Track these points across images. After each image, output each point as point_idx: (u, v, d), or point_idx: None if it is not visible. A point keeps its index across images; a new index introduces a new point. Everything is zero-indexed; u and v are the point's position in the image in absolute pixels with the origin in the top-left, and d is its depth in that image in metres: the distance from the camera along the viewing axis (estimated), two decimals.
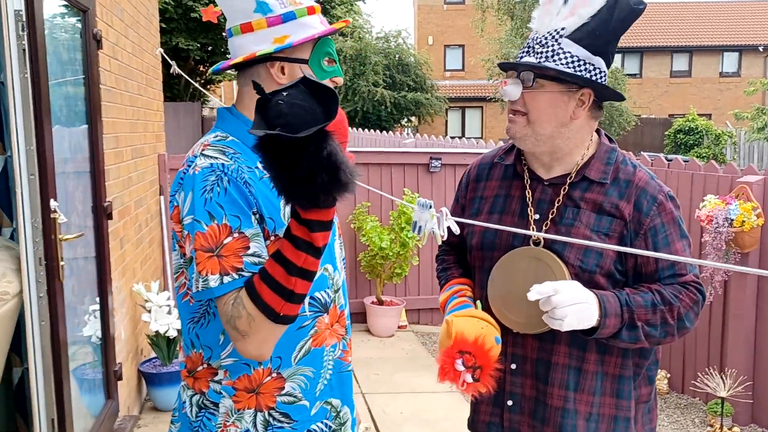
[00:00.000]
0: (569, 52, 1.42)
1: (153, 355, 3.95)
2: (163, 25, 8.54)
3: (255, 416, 1.27)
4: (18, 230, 2.24)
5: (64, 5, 2.75)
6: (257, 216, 1.20)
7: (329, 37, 1.34)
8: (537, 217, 1.51)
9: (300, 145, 0.96)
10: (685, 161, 4.55)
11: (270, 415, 1.28)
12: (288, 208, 1.22)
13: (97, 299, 3.06)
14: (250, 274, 1.15)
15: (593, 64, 1.44)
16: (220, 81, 12.66)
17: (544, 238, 1.46)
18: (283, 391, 1.29)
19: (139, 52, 4.12)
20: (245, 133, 1.27)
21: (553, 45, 1.43)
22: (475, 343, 1.38)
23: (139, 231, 3.99)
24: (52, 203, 2.28)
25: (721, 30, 26.01)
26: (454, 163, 5.51)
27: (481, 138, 24.58)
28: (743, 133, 16.24)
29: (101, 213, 3.02)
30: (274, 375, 1.28)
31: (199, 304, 1.27)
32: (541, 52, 1.44)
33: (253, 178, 1.22)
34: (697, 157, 15.12)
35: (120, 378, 3.23)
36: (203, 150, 1.24)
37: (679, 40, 25.37)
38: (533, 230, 1.49)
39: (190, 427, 1.30)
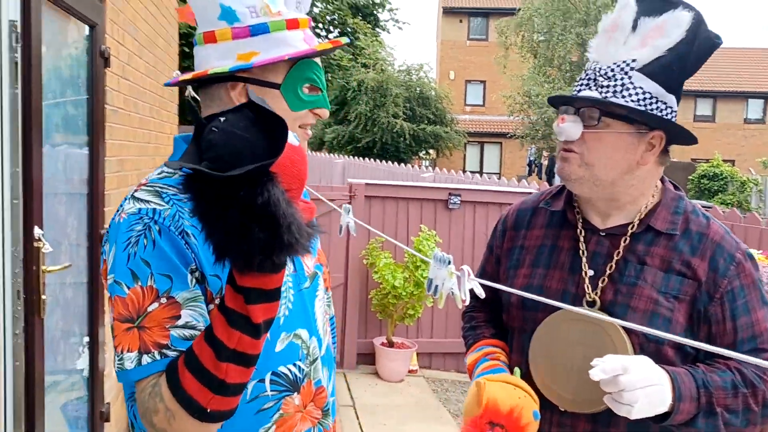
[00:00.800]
0: (641, 88, 1.21)
1: None
2: (187, 50, 8.49)
3: None
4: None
5: (69, 19, 2.59)
6: (196, 274, 0.96)
7: (314, 60, 1.08)
8: (591, 273, 1.28)
9: (229, 186, 0.73)
10: (707, 207, 4.28)
11: None
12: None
13: (87, 332, 2.85)
14: (178, 353, 0.91)
15: (666, 102, 1.23)
16: None
17: (600, 299, 1.25)
18: None
19: (155, 74, 3.97)
20: None
21: (622, 78, 1.22)
22: (509, 416, 1.17)
23: None
24: (36, 231, 2.08)
25: (746, 76, 25.79)
26: (474, 201, 5.28)
27: (499, 174, 24.40)
28: None
29: (97, 241, 2.82)
30: None
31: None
32: (608, 86, 1.22)
33: (194, 225, 0.96)
34: (722, 203, 14.76)
35: (107, 419, 2.99)
36: (136, 191, 1.00)
37: (703, 85, 25.16)
38: (587, 288, 1.26)
39: None
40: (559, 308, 1.23)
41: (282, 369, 1.04)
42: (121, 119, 3.22)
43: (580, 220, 1.34)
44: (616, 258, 1.27)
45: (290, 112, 1.06)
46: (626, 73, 1.22)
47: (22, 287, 2.03)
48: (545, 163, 20.25)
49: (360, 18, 10.97)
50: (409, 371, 5.00)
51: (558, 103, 1.32)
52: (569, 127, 1.24)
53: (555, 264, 1.33)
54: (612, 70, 1.23)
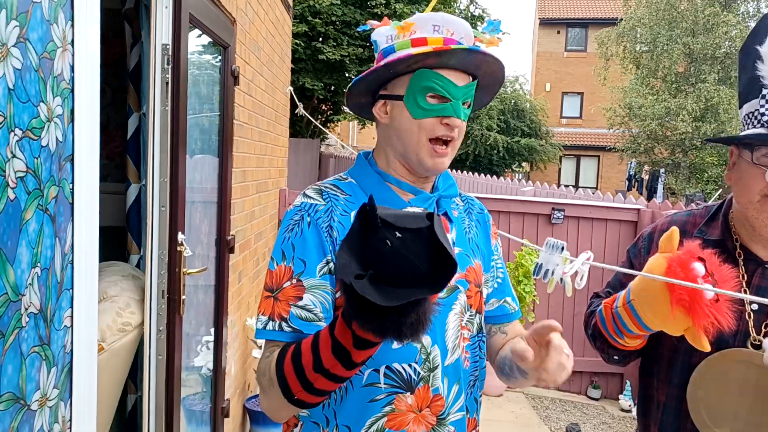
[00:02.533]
0: None
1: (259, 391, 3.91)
2: (293, 65, 8.88)
3: None
4: (145, 261, 2.24)
5: (207, 41, 2.81)
6: (329, 265, 1.11)
7: (437, 70, 1.12)
8: (755, 308, 1.22)
9: (386, 312, 0.77)
10: None
11: None
12: None
13: (212, 331, 3.05)
14: (291, 330, 1.08)
15: None
16: (338, 120, 12.99)
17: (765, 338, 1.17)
18: None
19: (272, 89, 4.20)
20: (367, 178, 1.21)
21: None
22: (710, 255, 1.08)
23: (257, 265, 4.00)
24: (180, 236, 2.27)
25: None
26: (577, 216, 5.19)
27: (596, 188, 23.64)
28: None
29: (224, 246, 3.03)
30: None
31: None
32: None
33: (342, 222, 1.13)
34: None
35: (227, 415, 3.18)
36: (307, 189, 1.20)
37: None
38: (751, 324, 1.20)
39: None
40: (722, 343, 1.18)
41: (396, 366, 1.11)
42: (245, 133, 3.44)
43: (742, 251, 1.28)
44: None
45: (413, 120, 1.13)
46: None
47: (166, 288, 2.22)
48: (646, 177, 19.43)
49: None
50: (509, 387, 4.96)
51: (758, 141, 1.20)
52: None
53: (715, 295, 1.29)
54: None
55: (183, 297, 2.31)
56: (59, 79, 1.15)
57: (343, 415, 1.11)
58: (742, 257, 1.27)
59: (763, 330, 1.20)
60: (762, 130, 1.19)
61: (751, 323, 1.21)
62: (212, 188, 2.96)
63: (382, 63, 1.14)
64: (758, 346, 1.18)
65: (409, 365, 1.11)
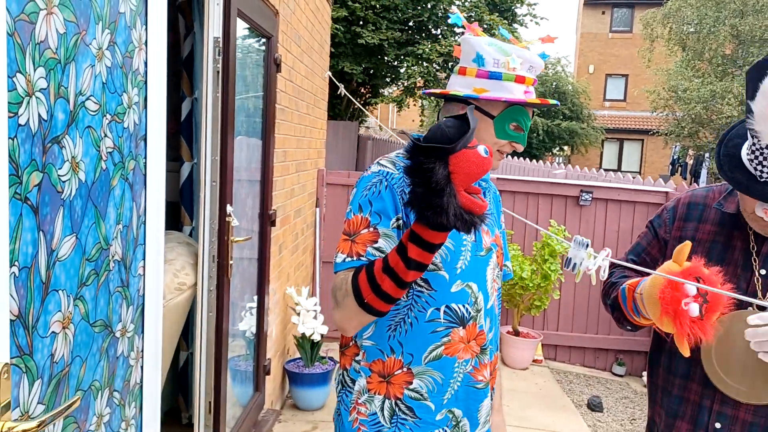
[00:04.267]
0: None
1: (297, 355, 4.22)
2: (332, 50, 9.11)
3: (383, 402, 1.38)
4: (198, 230, 2.54)
5: (253, 33, 3.08)
6: (401, 221, 1.34)
7: (526, 108, 1.42)
8: (764, 272, 1.39)
9: (416, 151, 1.08)
10: None
11: (396, 405, 1.38)
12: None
13: (255, 298, 3.35)
14: (366, 260, 1.30)
15: None
16: (377, 103, 13.19)
17: None
18: (411, 386, 1.38)
19: (311, 75, 4.46)
20: None
21: None
22: (711, 274, 1.20)
23: (296, 239, 4.29)
24: (228, 208, 2.56)
25: None
26: (606, 198, 5.33)
27: (640, 172, 23.33)
28: None
29: (266, 220, 3.31)
30: (404, 369, 1.38)
31: None
32: None
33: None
34: None
35: (268, 373, 3.49)
36: (380, 161, 1.42)
37: None
38: (759, 287, 1.37)
39: (338, 402, 1.47)
40: (733, 304, 1.32)
41: (454, 305, 1.39)
42: (286, 116, 3.71)
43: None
44: None
45: (494, 138, 1.43)
46: None
47: (216, 253, 2.52)
48: (690, 162, 19.12)
49: (497, 14, 11.03)
50: (534, 361, 5.17)
51: (756, 196, 1.31)
52: None
53: (728, 261, 1.42)
54: None
55: (231, 262, 2.60)
56: (136, 73, 1.42)
57: (409, 344, 1.37)
58: (753, 230, 1.42)
59: None
60: (751, 169, 1.33)
61: (759, 286, 1.38)
62: (256, 167, 3.24)
63: (502, 98, 1.39)
64: (764, 308, 1.33)
65: (463, 305, 1.40)
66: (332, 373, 4.11)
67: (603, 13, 26.25)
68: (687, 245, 1.26)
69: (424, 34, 11.15)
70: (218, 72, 2.46)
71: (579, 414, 4.34)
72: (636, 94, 23.43)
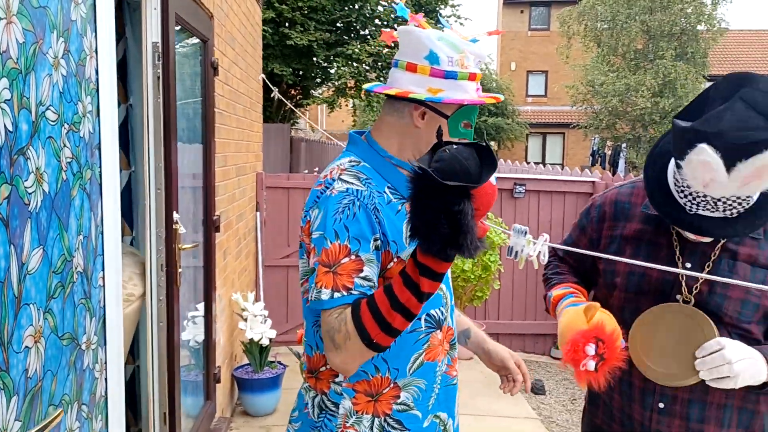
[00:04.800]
0: (755, 197, 1.39)
1: (245, 361, 4.18)
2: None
3: (372, 421, 1.35)
4: (144, 239, 2.49)
5: (189, 36, 3.03)
6: (378, 241, 1.29)
7: (475, 106, 1.41)
8: (689, 265, 1.50)
9: (440, 190, 1.04)
10: None
11: (386, 421, 1.36)
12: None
13: (202, 305, 3.30)
14: (358, 293, 1.24)
15: None
16: (308, 104, 13.15)
17: (700, 290, 1.47)
18: (399, 400, 1.36)
19: (246, 77, 4.42)
20: (376, 160, 1.39)
21: (743, 204, 1.36)
22: (611, 335, 1.38)
23: (239, 244, 4.25)
24: (175, 215, 2.52)
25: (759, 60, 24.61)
26: (538, 189, 5.54)
27: (562, 164, 24.20)
28: None
29: (211, 226, 3.27)
30: (392, 385, 1.35)
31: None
32: (733, 210, 1.37)
33: (381, 203, 1.32)
34: None
35: (219, 381, 3.45)
36: (341, 174, 1.34)
37: (713, 68, 24.18)
38: (683, 283, 1.49)
39: (312, 428, 1.39)
40: (660, 295, 1.49)
41: (432, 311, 1.39)
42: (224, 120, 3.67)
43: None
44: (712, 257, 1.48)
45: (447, 137, 1.39)
46: (744, 200, 1.35)
47: (164, 261, 2.47)
48: (609, 153, 20.01)
49: (423, 15, 11.19)
50: None
51: (687, 228, 1.42)
52: (706, 240, 1.46)
53: (656, 256, 1.51)
54: (728, 202, 1.34)
55: (180, 270, 2.56)
56: (89, 81, 1.40)
57: (393, 359, 1.34)
58: (676, 230, 1.52)
59: (694, 291, 1.49)
60: (678, 198, 1.43)
61: (683, 280, 1.50)
62: (198, 173, 3.20)
63: (465, 102, 1.35)
64: (687, 302, 1.47)
65: (438, 308, 1.41)
66: (282, 377, 4.10)
67: (522, 11, 27.06)
68: (596, 306, 1.40)
69: (352, 35, 11.21)
70: (158, 77, 2.42)
71: (524, 398, 4.50)
72: (556, 89, 24.28)
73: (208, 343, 3.33)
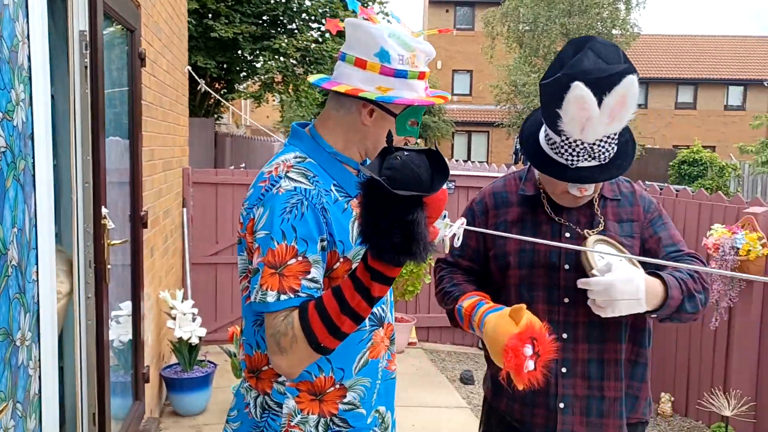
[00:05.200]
0: (623, 138, 1.61)
1: (174, 361, 4.09)
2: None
3: (318, 421, 1.34)
4: (71, 234, 2.39)
5: (116, 26, 2.93)
6: (325, 242, 1.27)
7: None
8: (568, 235, 1.69)
9: (392, 200, 1.05)
10: (693, 192, 4.70)
11: (331, 420, 1.35)
12: (357, 238, 1.30)
13: (130, 304, 3.20)
14: (305, 296, 1.22)
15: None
16: (233, 98, 12.88)
17: (577, 257, 1.65)
18: (345, 400, 1.36)
19: (172, 69, 4.31)
20: (322, 156, 1.36)
21: (613, 146, 1.57)
22: (541, 331, 1.44)
23: (166, 241, 4.14)
24: (103, 210, 2.44)
25: (726, 64, 26.33)
26: (467, 186, 5.68)
27: (487, 162, 24.82)
28: (747, 166, 16.42)
29: (138, 222, 3.18)
30: (336, 386, 1.35)
31: None
32: (605, 156, 1.57)
33: (329, 202, 1.29)
34: (702, 188, 15.25)
35: (147, 380, 3.36)
36: (287, 172, 1.30)
37: (685, 72, 25.69)
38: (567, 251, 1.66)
39: (254, 428, 1.36)
40: (551, 265, 1.67)
41: (375, 310, 1.40)
42: (151, 113, 3.57)
43: (546, 199, 1.73)
44: (598, 220, 1.70)
45: (396, 136, 1.39)
46: (615, 141, 1.57)
47: (92, 258, 2.39)
48: None
49: (352, 11, 11.20)
50: (409, 343, 5.40)
51: (571, 181, 1.59)
52: (589, 192, 1.62)
53: (539, 232, 1.70)
54: (601, 145, 1.54)
55: (108, 266, 2.48)
56: (21, 69, 1.36)
57: (338, 359, 1.33)
58: (547, 204, 1.72)
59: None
60: (560, 159, 1.60)
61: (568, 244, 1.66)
62: (125, 167, 3.10)
63: (416, 103, 1.33)
64: (571, 266, 1.67)
65: (380, 307, 1.41)
66: (212, 376, 4.03)
67: (447, 11, 27.51)
68: (522, 308, 1.48)
69: (279, 29, 11.07)
70: (86, 67, 2.34)
71: (453, 388, 4.62)
72: (481, 88, 24.86)
73: (137, 343, 3.24)
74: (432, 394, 4.45)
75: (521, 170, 1.84)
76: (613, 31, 18.70)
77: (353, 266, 1.32)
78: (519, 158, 22.17)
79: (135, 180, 3.17)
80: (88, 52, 2.34)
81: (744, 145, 15.19)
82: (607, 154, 1.57)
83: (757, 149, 14.29)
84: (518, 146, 21.24)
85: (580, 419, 1.65)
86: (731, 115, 25.67)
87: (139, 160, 3.20)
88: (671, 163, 17.76)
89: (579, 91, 1.45)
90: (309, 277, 1.23)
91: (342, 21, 1.42)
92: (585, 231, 1.69)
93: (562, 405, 1.65)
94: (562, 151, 1.57)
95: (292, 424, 1.33)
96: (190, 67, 5.22)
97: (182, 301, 3.90)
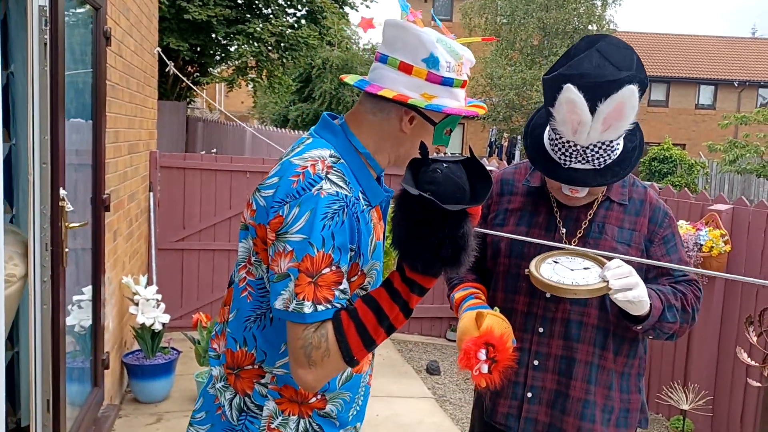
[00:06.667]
0: (619, 147, 1.57)
1: (136, 347, 4.02)
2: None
3: (298, 423, 1.30)
4: (27, 216, 2.32)
5: (80, 2, 2.84)
6: (353, 252, 1.23)
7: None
8: (564, 231, 1.68)
9: (443, 215, 1.05)
10: (660, 189, 4.76)
11: (309, 423, 1.31)
12: (374, 248, 1.30)
13: (90, 288, 3.13)
14: (338, 307, 1.19)
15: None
16: (207, 83, 12.70)
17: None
18: (323, 411, 1.32)
19: (141, 50, 4.21)
20: (354, 159, 1.29)
21: (610, 153, 1.54)
22: (500, 339, 1.48)
23: (130, 225, 4.06)
24: (61, 192, 2.37)
25: (698, 63, 26.73)
26: None
27: (461, 154, 24.83)
28: (715, 164, 16.73)
29: (100, 205, 3.10)
30: (319, 396, 1.31)
31: (258, 304, 1.29)
32: (600, 162, 1.54)
33: (362, 211, 1.25)
34: (671, 185, 15.51)
35: (107, 367, 3.29)
36: (328, 173, 1.22)
37: (658, 70, 26.03)
38: (564, 242, 1.66)
39: (227, 431, 1.32)
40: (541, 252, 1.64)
41: None
42: (117, 94, 3.48)
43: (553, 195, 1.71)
44: (587, 220, 1.67)
45: (431, 144, 1.34)
46: (612, 148, 1.53)
47: (49, 240, 2.32)
48: (505, 144, 20.80)
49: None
50: None
51: (563, 181, 1.57)
52: (581, 193, 1.60)
53: (535, 224, 1.70)
54: (595, 150, 1.52)
55: (66, 250, 2.42)
56: None
57: None
58: (554, 200, 1.70)
59: (574, 242, 1.66)
60: (553, 156, 1.59)
61: (564, 240, 1.67)
62: (86, 148, 3.02)
63: (463, 113, 1.29)
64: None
65: None
66: (175, 363, 3.97)
67: (425, 1, 27.42)
68: (482, 315, 1.52)
69: (255, 13, 10.91)
70: (46, 43, 2.26)
71: (419, 378, 4.63)
72: None
73: (96, 328, 3.17)
74: (398, 385, 4.45)
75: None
76: (589, 27, 18.84)
77: (366, 281, 1.30)
78: (493, 151, 22.29)
79: (97, 162, 3.09)
80: (48, 28, 2.26)
81: (713, 144, 15.45)
82: (602, 159, 1.53)
83: (725, 148, 14.56)
84: (492, 139, 21.37)
85: (546, 410, 1.67)
86: (702, 114, 26.10)
87: (102, 141, 3.12)
88: (642, 160, 18.02)
89: (570, 94, 1.43)
90: (341, 288, 1.19)
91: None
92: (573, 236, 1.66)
93: (530, 395, 1.68)
94: (557, 149, 1.56)
95: (272, 426, 1.29)
96: (159, 49, 5.11)
97: (146, 287, 3.83)
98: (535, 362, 1.67)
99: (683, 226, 3.86)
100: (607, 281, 1.49)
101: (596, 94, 1.42)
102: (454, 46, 1.29)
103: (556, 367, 1.66)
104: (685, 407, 3.74)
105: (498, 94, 19.13)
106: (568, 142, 1.52)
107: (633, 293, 1.49)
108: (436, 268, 1.11)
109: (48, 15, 2.26)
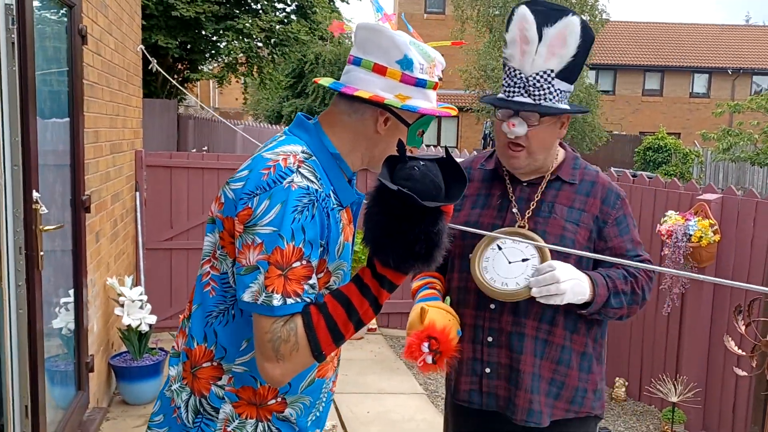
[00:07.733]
0: (560, 90, 1.64)
1: (123, 349, 3.98)
2: (143, 22, 8.53)
3: (256, 426, 1.28)
4: (0, 220, 2.28)
5: (51, 0, 2.79)
6: (321, 248, 1.22)
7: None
8: (515, 211, 1.73)
9: (421, 212, 1.07)
10: (649, 178, 4.72)
11: (268, 427, 1.30)
12: (341, 247, 1.30)
13: (72, 291, 3.09)
14: (307, 301, 1.19)
15: (570, 92, 1.67)
16: (197, 80, 12.63)
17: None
18: (282, 414, 1.31)
19: (122, 48, 4.16)
20: (326, 158, 1.28)
21: (548, 87, 1.63)
22: (442, 332, 1.56)
23: (115, 226, 4.02)
24: (35, 194, 2.33)
25: (692, 52, 26.68)
26: None
27: (456, 147, 24.85)
28: (709, 153, 16.72)
29: (79, 206, 3.06)
30: (278, 399, 1.29)
31: (221, 299, 1.27)
32: (538, 94, 1.63)
33: (331, 207, 1.25)
34: (665, 174, 15.49)
35: (92, 370, 3.26)
36: (299, 167, 1.22)
37: (652, 59, 25.97)
38: (517, 220, 1.73)
39: None
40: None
41: None
42: (96, 93, 3.44)
43: (507, 175, 1.78)
44: (535, 200, 1.73)
45: (405, 145, 1.32)
46: (550, 81, 1.62)
47: (23, 244, 2.28)
48: None
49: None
50: (369, 330, 5.36)
51: (499, 106, 1.68)
52: (518, 130, 1.63)
53: (488, 205, 1.77)
54: (537, 80, 1.61)
55: (41, 253, 2.38)
56: None
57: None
58: (508, 179, 1.78)
59: (525, 219, 1.72)
60: (501, 95, 1.69)
61: (517, 218, 1.72)
62: (64, 149, 2.97)
63: (436, 113, 1.31)
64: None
65: None
66: (163, 364, 3.94)
67: None
68: (425, 311, 1.60)
69: (244, 8, 10.84)
70: (13, 43, 2.21)
71: (411, 374, 4.60)
72: (450, 73, 24.71)
73: (79, 331, 3.13)
74: (389, 381, 4.43)
75: (489, 150, 1.90)
76: (582, 17, 18.76)
77: (332, 279, 1.29)
78: (488, 143, 22.24)
79: (76, 162, 3.05)
80: (15, 27, 2.21)
81: (707, 133, 15.43)
82: (541, 92, 1.62)
83: (719, 136, 14.53)
84: (487, 131, 21.34)
85: (505, 384, 1.72)
86: (696, 103, 26.07)
87: (80, 141, 3.08)
88: (637, 150, 18.01)
89: (522, 11, 1.60)
90: (310, 282, 1.20)
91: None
92: (520, 218, 1.72)
93: (488, 370, 1.73)
94: (504, 85, 1.67)
95: (228, 429, 1.28)
96: (143, 47, 5.05)
97: (131, 288, 3.79)
98: (489, 338, 1.72)
99: (672, 217, 3.83)
100: (531, 288, 1.58)
101: (544, 18, 1.59)
102: (426, 48, 1.31)
103: (507, 343, 1.70)
104: (674, 399, 3.72)
105: (492, 86, 19.06)
106: (514, 71, 1.63)
107: (556, 299, 1.58)
108: (408, 264, 1.13)
109: (15, 14, 2.21)
